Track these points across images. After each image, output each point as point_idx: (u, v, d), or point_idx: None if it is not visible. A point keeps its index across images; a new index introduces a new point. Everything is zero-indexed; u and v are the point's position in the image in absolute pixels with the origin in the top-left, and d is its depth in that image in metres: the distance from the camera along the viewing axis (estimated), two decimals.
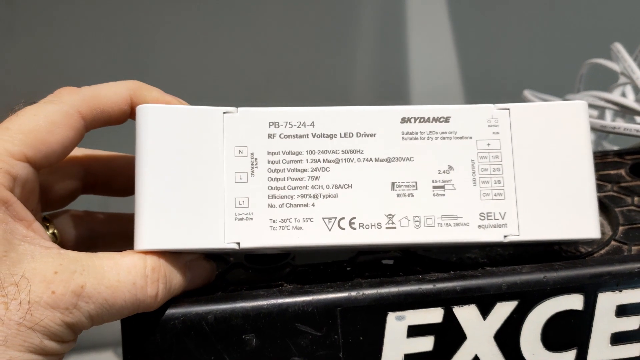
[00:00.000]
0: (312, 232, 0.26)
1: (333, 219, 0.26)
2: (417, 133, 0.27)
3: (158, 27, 0.55)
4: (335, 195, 0.26)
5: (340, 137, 0.27)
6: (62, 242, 0.29)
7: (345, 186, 0.26)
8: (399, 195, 0.26)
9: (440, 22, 0.61)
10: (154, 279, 0.25)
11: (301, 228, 0.26)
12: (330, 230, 0.26)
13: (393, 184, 0.26)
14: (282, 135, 0.27)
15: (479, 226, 0.26)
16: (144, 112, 0.26)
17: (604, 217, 0.33)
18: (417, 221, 0.26)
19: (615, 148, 0.49)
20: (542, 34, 0.61)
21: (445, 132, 0.27)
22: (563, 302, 0.26)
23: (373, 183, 0.26)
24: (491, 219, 0.26)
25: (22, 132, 0.25)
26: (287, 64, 0.58)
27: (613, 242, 0.30)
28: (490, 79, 0.63)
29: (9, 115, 0.25)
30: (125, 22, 0.55)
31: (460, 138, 0.27)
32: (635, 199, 0.34)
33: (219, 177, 0.26)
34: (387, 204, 0.26)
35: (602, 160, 0.39)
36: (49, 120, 0.25)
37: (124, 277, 0.24)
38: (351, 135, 0.27)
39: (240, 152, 0.26)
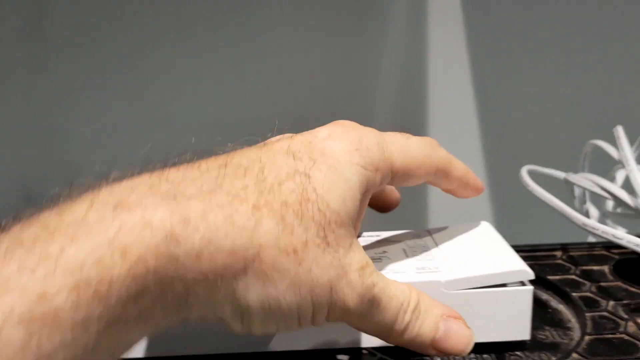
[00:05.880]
0: None
1: None
2: None
3: (187, 52, 0.57)
4: None
5: None
6: None
7: None
8: None
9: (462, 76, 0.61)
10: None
11: None
12: None
13: None
14: None
15: (417, 272, 0.30)
16: None
17: (576, 320, 0.32)
18: None
19: (620, 231, 0.48)
20: (553, 108, 0.61)
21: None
22: None
23: None
24: (426, 270, 0.30)
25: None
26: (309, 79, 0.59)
27: (574, 355, 0.29)
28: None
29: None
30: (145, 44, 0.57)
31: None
32: (611, 303, 0.33)
33: None
34: None
35: (589, 253, 0.38)
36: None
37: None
38: None
39: None
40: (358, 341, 0.29)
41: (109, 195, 0.21)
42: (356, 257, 0.25)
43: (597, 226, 0.33)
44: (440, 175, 0.30)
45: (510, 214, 0.65)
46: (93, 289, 0.19)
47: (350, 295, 0.25)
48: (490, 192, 0.66)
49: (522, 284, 0.30)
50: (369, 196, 0.28)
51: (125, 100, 0.58)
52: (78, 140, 0.60)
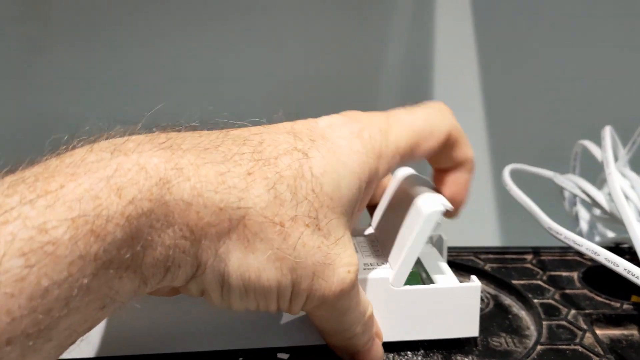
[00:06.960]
0: None
1: None
2: None
3: (186, 42, 0.57)
4: None
5: None
6: None
7: None
8: None
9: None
10: None
11: None
12: None
13: None
14: None
15: (364, 269, 0.28)
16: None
17: (535, 328, 0.31)
18: None
19: (611, 235, 0.46)
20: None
21: None
22: None
23: None
24: (374, 267, 0.29)
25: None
26: (313, 74, 0.59)
27: None
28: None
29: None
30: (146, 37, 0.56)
31: None
32: (572, 311, 0.31)
33: None
34: None
35: (561, 258, 0.37)
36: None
37: None
38: None
39: None
40: (299, 339, 0.29)
41: (107, 143, 0.22)
42: (347, 252, 0.24)
43: (560, 230, 0.31)
44: (451, 145, 0.28)
45: (515, 213, 0.64)
46: (90, 225, 0.19)
47: (332, 289, 0.24)
48: (494, 191, 0.64)
49: (470, 280, 0.29)
50: (374, 186, 0.27)
51: (126, 85, 0.58)
52: (77, 124, 0.60)
